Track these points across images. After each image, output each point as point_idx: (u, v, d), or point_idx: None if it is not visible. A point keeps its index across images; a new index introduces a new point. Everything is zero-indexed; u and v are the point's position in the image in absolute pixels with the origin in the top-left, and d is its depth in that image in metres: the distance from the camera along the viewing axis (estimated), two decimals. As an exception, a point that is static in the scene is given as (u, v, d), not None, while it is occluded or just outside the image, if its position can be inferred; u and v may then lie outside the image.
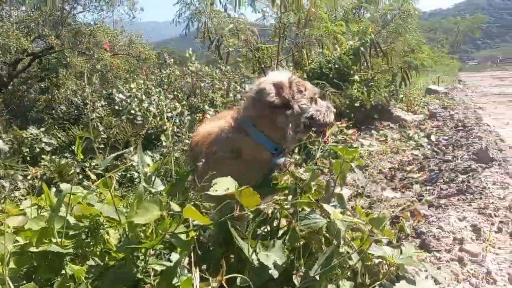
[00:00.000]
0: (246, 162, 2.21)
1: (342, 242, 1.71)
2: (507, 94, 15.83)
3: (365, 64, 7.40)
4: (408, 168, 5.93)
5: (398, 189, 5.13)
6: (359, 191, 4.94)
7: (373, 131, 8.12)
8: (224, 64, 6.99)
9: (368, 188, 5.07)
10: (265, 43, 6.85)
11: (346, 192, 4.78)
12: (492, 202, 3.58)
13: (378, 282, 1.75)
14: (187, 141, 5.84)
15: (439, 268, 2.28)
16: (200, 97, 7.43)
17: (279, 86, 2.12)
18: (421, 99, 12.62)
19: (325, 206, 1.74)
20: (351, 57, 7.14)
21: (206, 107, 7.06)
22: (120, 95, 7.72)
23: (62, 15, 11.24)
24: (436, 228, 2.95)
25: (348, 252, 1.71)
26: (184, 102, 7.29)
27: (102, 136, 8.08)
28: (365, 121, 8.88)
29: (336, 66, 6.98)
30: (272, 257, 1.58)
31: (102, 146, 7.64)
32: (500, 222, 3.28)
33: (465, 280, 2.31)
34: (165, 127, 6.67)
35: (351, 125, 8.01)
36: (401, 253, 1.85)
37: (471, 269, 2.41)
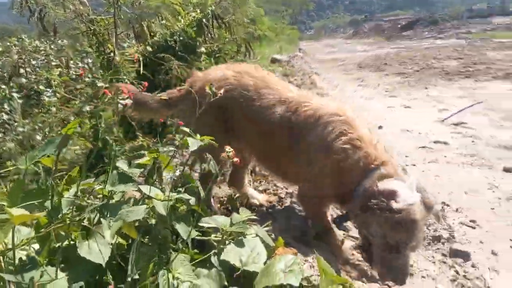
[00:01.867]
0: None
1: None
2: (337, 59, 18.15)
3: (209, 35, 7.49)
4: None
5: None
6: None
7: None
8: (54, 38, 6.19)
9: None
10: (100, 14, 6.28)
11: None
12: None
13: (213, 251, 1.86)
14: (20, 129, 5.07)
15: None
16: (32, 77, 6.46)
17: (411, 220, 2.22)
18: (267, 68, 13.54)
19: (143, 188, 1.72)
20: (195, 29, 7.12)
21: (42, 87, 6.21)
22: None
23: None
24: (273, 185, 3.29)
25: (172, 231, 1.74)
26: (12, 84, 6.25)
27: None
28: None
29: (181, 38, 6.88)
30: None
31: None
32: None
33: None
34: (-15, 114, 5.64)
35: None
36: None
37: (299, 217, 2.78)
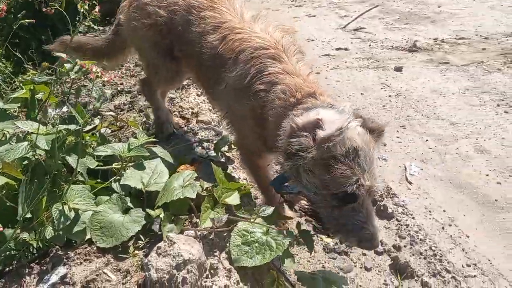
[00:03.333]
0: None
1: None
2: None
3: None
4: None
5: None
6: (119, 88, 4.92)
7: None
8: None
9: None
10: None
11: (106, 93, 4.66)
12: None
13: (114, 177, 1.86)
14: None
15: (177, 144, 2.59)
16: None
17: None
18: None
19: (20, 124, 1.60)
20: None
21: None
22: None
23: None
24: (178, 107, 3.26)
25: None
26: None
27: None
28: (113, 12, 8.38)
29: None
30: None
31: None
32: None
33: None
34: None
35: (98, 19, 7.41)
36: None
37: (205, 135, 2.85)
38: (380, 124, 1.79)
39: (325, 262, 2.28)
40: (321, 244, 2.42)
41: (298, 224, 1.67)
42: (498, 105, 4.30)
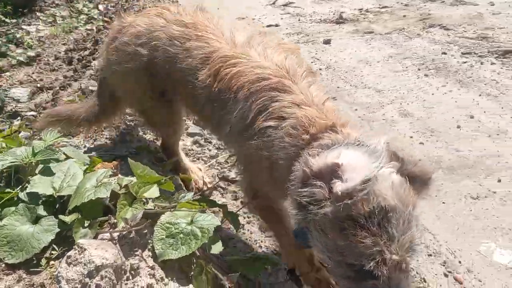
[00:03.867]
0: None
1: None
2: None
3: None
4: (85, 46, 5.74)
5: (79, 71, 4.97)
6: (39, 85, 4.60)
7: (38, 14, 7.20)
8: None
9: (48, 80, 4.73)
10: None
11: (23, 91, 4.33)
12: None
13: (21, 186, 1.71)
14: None
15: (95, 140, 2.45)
16: None
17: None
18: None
19: None
20: None
21: None
22: None
23: None
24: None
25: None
26: None
27: None
28: (28, 3, 7.69)
29: None
30: None
31: None
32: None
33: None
34: None
35: (10, 11, 6.81)
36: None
37: (130, 129, 2.71)
38: (427, 168, 1.37)
39: (262, 242, 2.30)
40: (258, 224, 2.43)
41: (224, 206, 1.64)
42: (419, 69, 4.54)
